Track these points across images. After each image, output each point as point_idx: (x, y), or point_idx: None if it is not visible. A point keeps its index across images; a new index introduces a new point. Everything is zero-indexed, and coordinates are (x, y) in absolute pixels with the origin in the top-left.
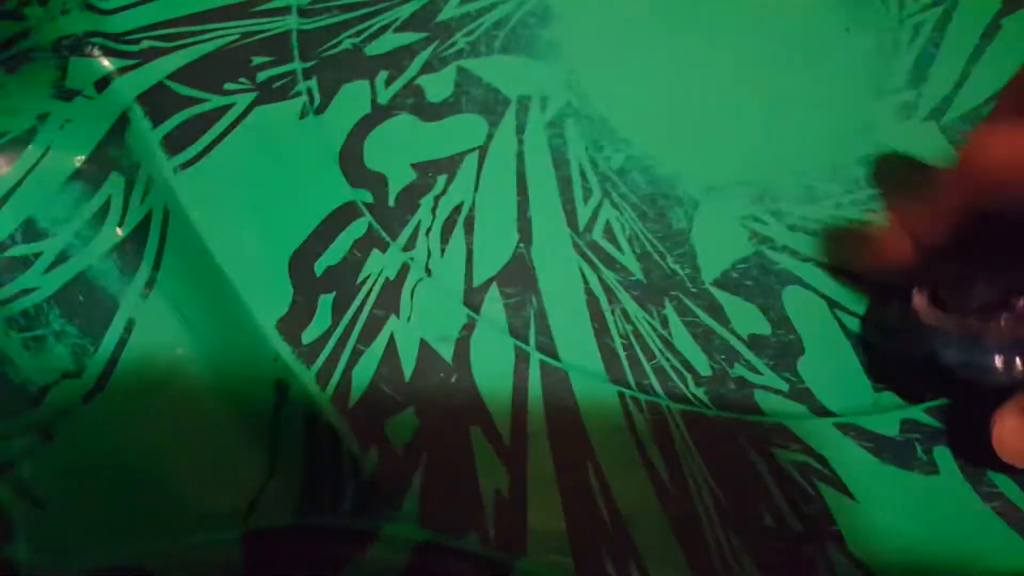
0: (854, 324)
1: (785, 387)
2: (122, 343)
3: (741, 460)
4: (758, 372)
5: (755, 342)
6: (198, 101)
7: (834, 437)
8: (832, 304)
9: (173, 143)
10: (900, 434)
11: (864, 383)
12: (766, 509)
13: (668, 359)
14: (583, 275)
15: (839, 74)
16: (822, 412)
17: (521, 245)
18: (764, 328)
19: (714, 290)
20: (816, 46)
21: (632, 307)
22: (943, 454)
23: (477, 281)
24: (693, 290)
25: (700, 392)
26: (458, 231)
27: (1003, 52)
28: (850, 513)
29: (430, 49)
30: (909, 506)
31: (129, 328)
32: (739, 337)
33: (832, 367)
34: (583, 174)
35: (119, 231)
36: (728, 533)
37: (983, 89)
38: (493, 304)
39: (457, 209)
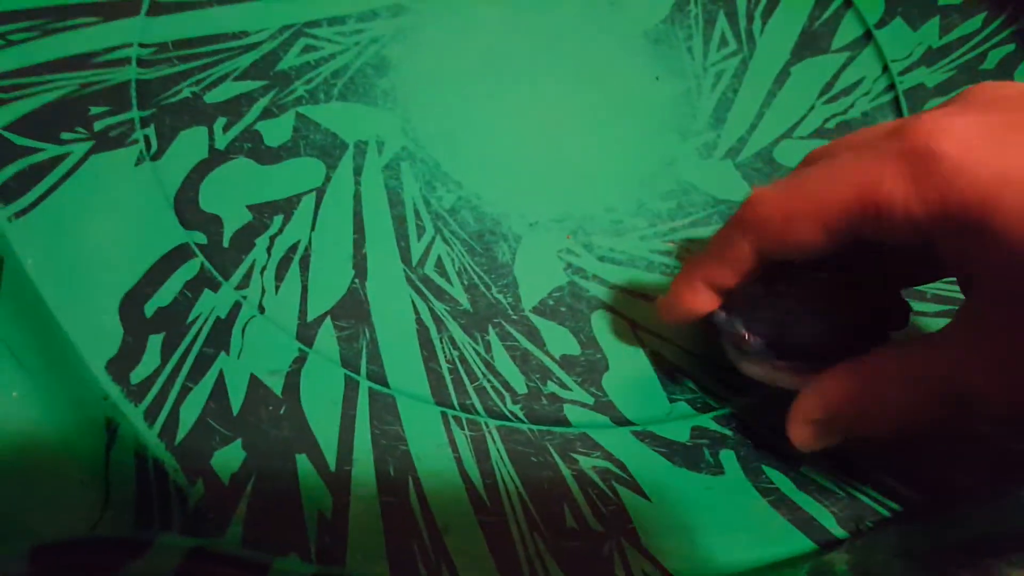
0: (653, 343)
1: (591, 400)
2: None
3: (549, 468)
4: (568, 388)
5: (566, 361)
6: (34, 151)
7: (632, 444)
8: (634, 325)
9: (8, 192)
10: (690, 440)
11: (660, 395)
12: (569, 512)
13: (489, 380)
14: (415, 306)
15: (648, 118)
16: (622, 422)
17: (356, 280)
18: (574, 349)
19: (532, 316)
20: (628, 93)
21: (459, 334)
22: (728, 456)
23: (311, 316)
24: (514, 317)
25: (516, 408)
26: (293, 269)
27: (792, 97)
28: (645, 513)
29: (269, 96)
30: (698, 504)
31: None
32: (552, 357)
33: (632, 382)
34: (417, 213)
35: None
36: (535, 536)
37: (774, 129)
38: (326, 337)
39: (293, 248)
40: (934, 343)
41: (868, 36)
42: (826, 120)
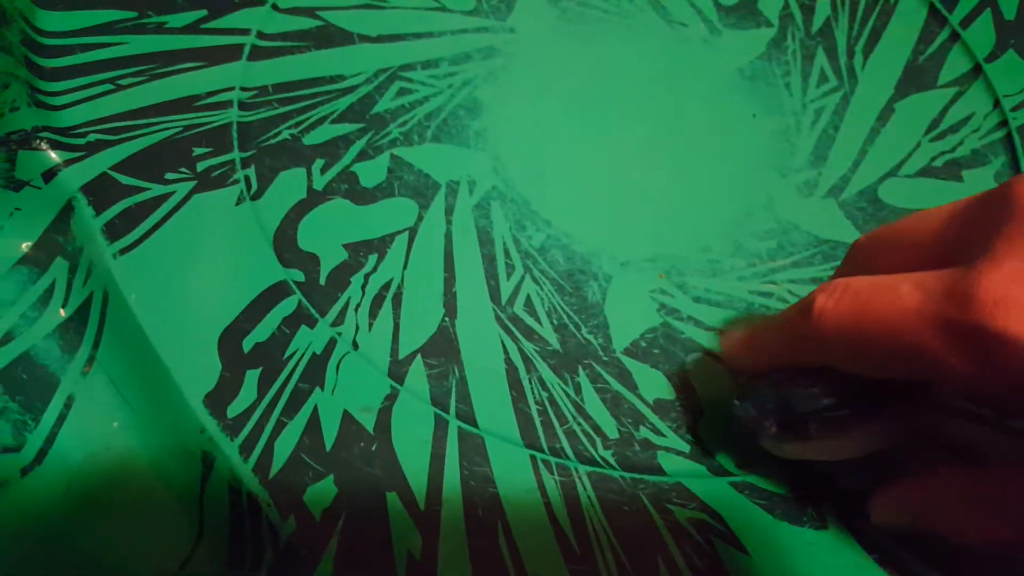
0: None
1: (687, 448)
2: (61, 418)
3: (642, 518)
4: (662, 434)
5: (660, 406)
6: (139, 190)
7: (729, 495)
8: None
9: (114, 230)
10: (792, 493)
11: (759, 445)
12: (664, 565)
13: (580, 424)
14: (504, 346)
15: (745, 155)
16: (720, 472)
17: (446, 319)
18: (669, 393)
19: (624, 358)
20: (724, 130)
21: (548, 375)
22: (832, 510)
23: (403, 353)
24: (605, 358)
25: (608, 454)
26: (386, 306)
27: (896, 134)
28: (744, 568)
29: (365, 139)
30: (799, 560)
31: (68, 404)
32: (645, 401)
33: (730, 429)
34: (507, 251)
35: (62, 312)
36: None
37: (878, 167)
38: (417, 375)
39: (386, 286)
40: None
41: (978, 70)
42: (933, 158)
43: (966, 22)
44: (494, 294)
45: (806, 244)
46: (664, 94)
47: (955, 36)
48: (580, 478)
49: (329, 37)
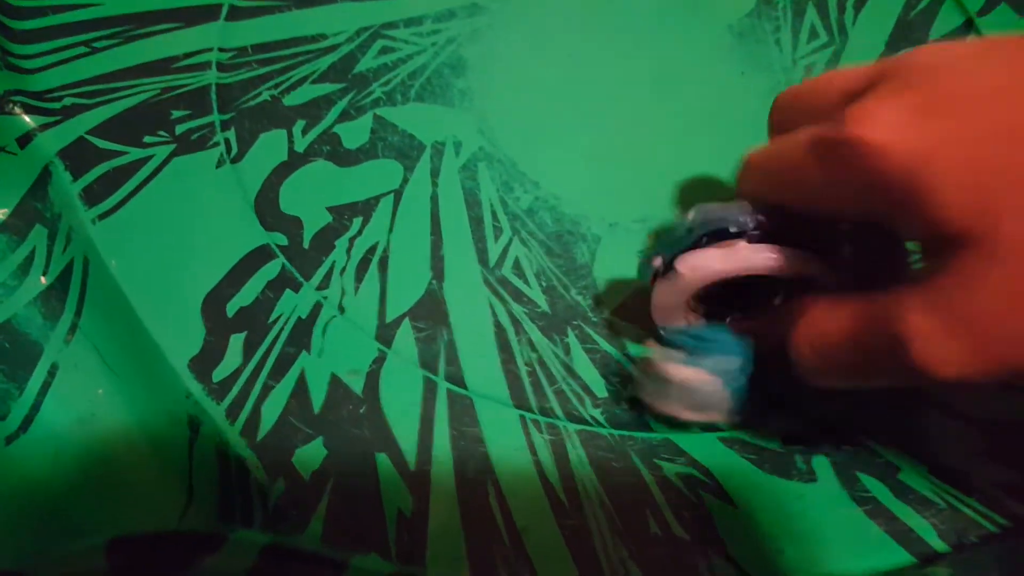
0: None
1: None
2: (46, 386)
3: (632, 474)
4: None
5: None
6: (117, 154)
7: (719, 450)
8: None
9: (92, 195)
10: (783, 446)
11: (752, 400)
12: (653, 519)
13: (569, 383)
14: (492, 309)
15: (735, 114)
16: (709, 428)
17: (434, 282)
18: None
19: (613, 318)
20: (713, 90)
21: (537, 337)
22: (821, 463)
23: (390, 317)
24: (594, 319)
25: (597, 413)
26: (372, 270)
27: None
28: (732, 520)
29: (347, 99)
30: (787, 512)
31: (53, 372)
32: (634, 361)
33: None
34: (494, 214)
35: (43, 280)
36: (617, 542)
37: None
38: (405, 338)
39: (372, 249)
40: (882, 298)
41: (969, 25)
42: None
43: (984, 10)
44: (482, 256)
45: None
46: (653, 52)
47: (970, 24)
48: (569, 436)
49: None
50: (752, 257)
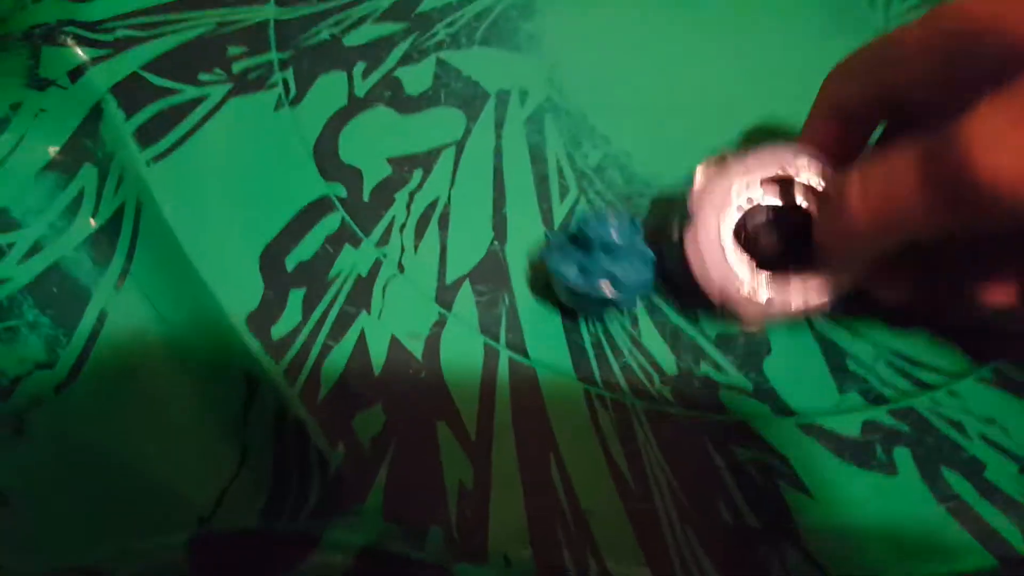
0: (823, 326)
1: (750, 386)
2: (95, 334)
3: (702, 458)
4: (723, 371)
5: (723, 341)
6: (172, 92)
7: (796, 437)
8: None
9: (146, 135)
10: (861, 435)
11: (829, 384)
12: (725, 507)
13: (636, 358)
14: None
15: (820, 71)
16: (785, 412)
17: (496, 243)
18: (732, 328)
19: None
20: (799, 48)
21: None
22: (903, 455)
23: (450, 279)
24: (664, 288)
25: (665, 390)
26: (432, 228)
27: None
28: (808, 511)
29: (410, 40)
30: (866, 505)
31: (102, 319)
32: (706, 336)
33: (798, 368)
34: (560, 171)
35: (92, 222)
36: (686, 529)
37: None
38: (465, 301)
39: (432, 205)
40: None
41: None
42: None
43: None
44: (546, 217)
45: None
46: (733, 5)
47: None
48: (637, 414)
49: None
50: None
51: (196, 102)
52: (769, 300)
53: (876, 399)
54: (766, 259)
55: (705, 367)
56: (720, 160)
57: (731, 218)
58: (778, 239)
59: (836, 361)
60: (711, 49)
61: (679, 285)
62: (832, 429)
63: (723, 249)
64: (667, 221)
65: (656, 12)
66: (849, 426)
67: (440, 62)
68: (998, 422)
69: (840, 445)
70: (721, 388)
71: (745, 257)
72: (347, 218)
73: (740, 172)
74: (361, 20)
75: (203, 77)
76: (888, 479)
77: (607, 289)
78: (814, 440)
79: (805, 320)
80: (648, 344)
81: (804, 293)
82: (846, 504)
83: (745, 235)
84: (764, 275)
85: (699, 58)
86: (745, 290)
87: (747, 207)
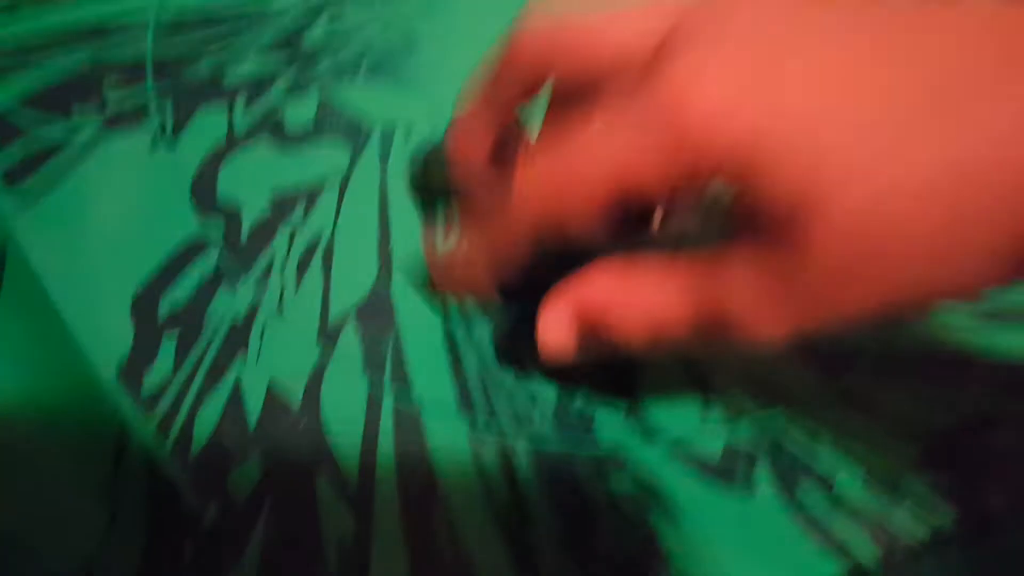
0: (689, 350)
1: (623, 411)
2: None
3: (579, 490)
4: (600, 400)
5: (599, 367)
6: (44, 126)
7: (664, 462)
8: None
9: (14, 173)
10: (723, 455)
11: (694, 406)
12: (600, 536)
13: (519, 391)
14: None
15: None
16: (655, 436)
17: (381, 278)
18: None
19: None
20: None
21: (488, 339)
22: (762, 473)
23: (333, 318)
24: None
25: (547, 423)
26: (315, 265)
27: None
28: (676, 534)
29: (292, 74)
30: (729, 525)
31: None
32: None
33: (666, 390)
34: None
35: None
36: (566, 561)
37: None
38: (348, 342)
39: (315, 242)
40: (707, 260)
41: None
42: None
43: None
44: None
45: None
46: None
47: None
48: (517, 450)
49: None
50: None
51: (68, 140)
52: None
53: (737, 418)
54: None
55: (583, 397)
56: None
57: None
58: None
59: (700, 383)
60: None
61: None
62: (697, 451)
63: None
64: None
65: None
66: (712, 447)
67: (324, 96)
68: (846, 434)
69: (704, 467)
70: (596, 416)
71: None
72: (224, 258)
73: None
74: (243, 53)
75: (76, 111)
76: (748, 499)
77: None
78: (681, 463)
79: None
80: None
81: None
82: (712, 526)
83: None
84: None
85: None
86: None
87: None
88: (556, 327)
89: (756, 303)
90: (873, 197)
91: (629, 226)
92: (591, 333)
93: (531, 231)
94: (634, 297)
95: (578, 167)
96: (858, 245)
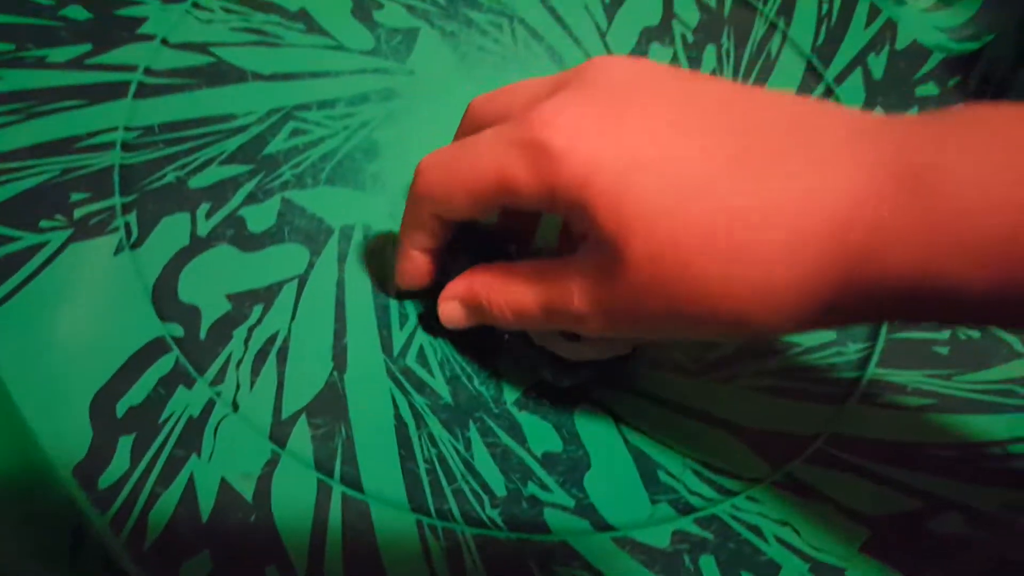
0: (636, 438)
1: (571, 503)
2: None
3: None
4: (549, 489)
5: (548, 459)
6: (10, 240)
7: (612, 552)
8: (617, 419)
9: None
10: (670, 545)
11: (642, 496)
12: None
13: (468, 482)
14: (394, 401)
15: None
16: (603, 527)
17: (335, 373)
18: (557, 445)
19: (514, 409)
20: None
21: (438, 430)
22: (707, 562)
23: (286, 413)
24: (496, 411)
25: (495, 514)
26: (270, 362)
27: None
28: None
29: (255, 181)
30: None
31: None
32: (533, 455)
33: (614, 481)
34: (401, 300)
35: None
36: None
37: None
38: (300, 437)
39: (271, 339)
40: (557, 267)
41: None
42: None
43: (840, 78)
44: (386, 345)
45: None
46: None
47: (830, 91)
48: (466, 541)
49: (221, 75)
50: None
51: (34, 249)
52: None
53: (684, 508)
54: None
55: (532, 487)
56: None
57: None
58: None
59: (648, 473)
60: None
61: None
62: (644, 541)
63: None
64: None
65: None
66: (660, 537)
67: (285, 201)
68: (791, 524)
69: (651, 557)
70: (545, 507)
71: None
72: (181, 358)
73: None
74: (207, 163)
75: (43, 224)
76: None
77: None
78: (628, 554)
79: (620, 434)
80: (480, 467)
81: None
82: None
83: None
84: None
85: None
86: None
87: None
88: (451, 304)
89: (586, 302)
90: (672, 233)
91: (514, 230)
92: (474, 311)
93: (427, 206)
94: (503, 290)
95: (466, 159)
96: (659, 269)
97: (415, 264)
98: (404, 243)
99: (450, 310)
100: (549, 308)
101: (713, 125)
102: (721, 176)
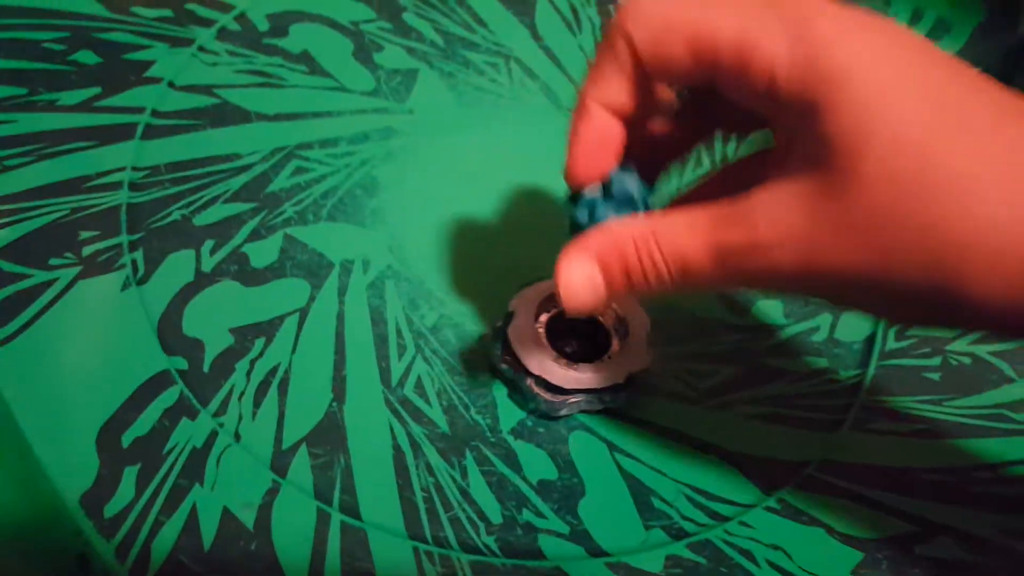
0: (630, 465)
1: (566, 530)
2: None
3: None
4: (544, 516)
5: (543, 487)
6: (21, 277)
7: None
8: (612, 447)
9: None
10: (664, 570)
11: (636, 522)
12: None
13: (464, 510)
14: (392, 430)
15: None
16: (597, 553)
17: (334, 404)
18: (552, 473)
19: (510, 438)
20: None
21: (435, 459)
22: None
23: (286, 443)
24: (492, 439)
25: (491, 540)
26: (271, 394)
27: None
28: None
29: (258, 218)
30: None
31: None
32: (528, 483)
33: (608, 508)
34: (399, 331)
35: None
36: None
37: None
38: (300, 466)
39: (272, 371)
40: (729, 202)
41: None
42: None
43: None
44: (384, 376)
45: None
46: (554, 176)
47: None
48: (462, 568)
49: (225, 115)
50: None
51: (44, 286)
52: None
53: (677, 534)
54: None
55: (527, 513)
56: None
57: (540, 315)
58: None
59: (642, 499)
60: (535, 215)
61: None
62: (638, 566)
63: (536, 335)
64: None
65: (486, 188)
66: (653, 562)
67: (287, 237)
68: (782, 548)
69: None
70: (540, 533)
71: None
72: (185, 390)
73: (547, 287)
74: (212, 201)
75: (53, 261)
76: None
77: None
78: None
79: (614, 461)
80: (476, 495)
81: (594, 375)
82: None
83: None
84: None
85: (524, 224)
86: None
87: (553, 311)
88: (582, 267)
89: (776, 232)
90: (921, 164)
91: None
92: (616, 275)
93: (632, 44)
94: (664, 237)
95: (712, 6)
96: (902, 195)
97: (595, 125)
98: (585, 96)
99: (580, 277)
100: (725, 249)
101: (969, 74)
102: (979, 120)
